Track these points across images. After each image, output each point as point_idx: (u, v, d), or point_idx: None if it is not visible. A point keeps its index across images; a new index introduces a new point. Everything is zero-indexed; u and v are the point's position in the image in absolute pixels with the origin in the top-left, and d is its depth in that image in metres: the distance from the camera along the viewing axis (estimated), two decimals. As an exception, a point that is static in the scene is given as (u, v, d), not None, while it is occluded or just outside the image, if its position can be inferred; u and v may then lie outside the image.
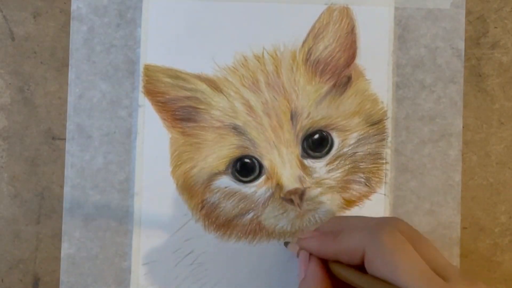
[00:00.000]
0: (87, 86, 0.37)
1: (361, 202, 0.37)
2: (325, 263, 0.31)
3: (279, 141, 0.36)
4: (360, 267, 0.29)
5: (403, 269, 0.26)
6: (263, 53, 0.37)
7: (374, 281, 0.28)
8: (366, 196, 0.37)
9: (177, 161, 0.37)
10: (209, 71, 0.37)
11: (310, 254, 0.32)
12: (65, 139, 0.37)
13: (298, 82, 0.37)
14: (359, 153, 0.37)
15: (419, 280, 0.26)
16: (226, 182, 0.36)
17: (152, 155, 0.37)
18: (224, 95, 0.37)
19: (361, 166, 0.37)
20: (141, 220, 0.37)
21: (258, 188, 0.36)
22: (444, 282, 0.26)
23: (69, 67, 0.37)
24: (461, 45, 0.37)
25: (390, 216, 0.37)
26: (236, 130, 0.36)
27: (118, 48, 0.37)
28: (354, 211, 0.37)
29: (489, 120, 0.38)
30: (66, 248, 0.36)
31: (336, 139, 0.37)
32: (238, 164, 0.36)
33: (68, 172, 0.37)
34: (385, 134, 0.37)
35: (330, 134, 0.37)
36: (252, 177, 0.36)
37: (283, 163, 0.36)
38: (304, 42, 0.37)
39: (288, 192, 0.36)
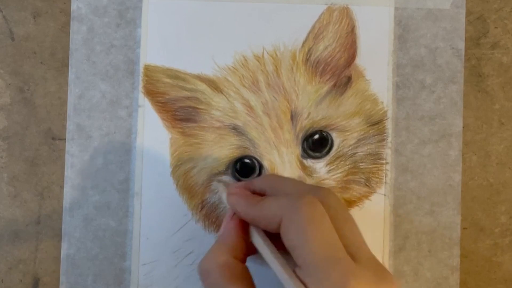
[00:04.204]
0: (87, 86, 0.37)
1: (361, 203, 0.37)
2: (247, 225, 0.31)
3: (279, 141, 0.36)
4: (278, 236, 0.28)
5: (314, 241, 0.26)
6: (263, 53, 0.37)
7: (278, 257, 0.27)
8: (366, 196, 0.37)
9: (177, 161, 0.37)
10: (209, 71, 0.37)
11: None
12: (65, 139, 0.37)
13: (298, 82, 0.37)
14: (359, 154, 0.37)
15: (326, 254, 0.26)
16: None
17: (152, 155, 0.37)
18: (224, 95, 0.37)
19: (361, 167, 0.37)
20: (141, 220, 0.37)
21: (258, 188, 0.36)
22: (352, 262, 0.26)
23: (69, 67, 0.37)
24: (461, 45, 0.37)
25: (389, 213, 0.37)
26: (236, 130, 0.36)
27: (118, 48, 0.37)
28: (354, 211, 0.37)
29: (489, 120, 0.38)
30: (66, 248, 0.36)
31: (336, 140, 0.37)
32: (238, 164, 0.36)
33: (68, 172, 0.37)
34: (385, 134, 0.37)
35: (330, 135, 0.37)
36: (252, 177, 0.36)
37: (283, 163, 0.36)
38: (304, 42, 0.37)
39: (288, 192, 0.36)
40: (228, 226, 0.31)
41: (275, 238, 0.29)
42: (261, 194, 0.31)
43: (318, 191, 0.29)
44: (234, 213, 0.31)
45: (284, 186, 0.31)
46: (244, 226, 0.30)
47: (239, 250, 0.30)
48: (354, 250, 0.27)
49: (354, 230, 0.28)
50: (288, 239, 0.27)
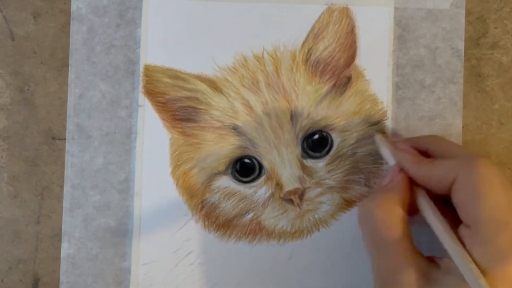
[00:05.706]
0: (87, 86, 0.37)
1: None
2: (413, 185, 0.31)
3: (279, 141, 0.36)
4: (444, 199, 0.29)
5: (487, 200, 0.26)
6: (263, 53, 0.37)
7: (442, 220, 0.27)
8: (366, 196, 0.37)
9: (177, 161, 0.37)
10: (209, 71, 0.37)
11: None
12: (65, 139, 0.37)
13: (298, 83, 0.37)
14: (359, 153, 0.37)
15: (497, 216, 0.26)
16: (226, 182, 0.36)
17: (152, 155, 0.37)
18: (224, 95, 0.37)
19: (361, 166, 0.37)
20: (141, 220, 0.37)
21: (258, 188, 0.36)
22: None
23: (69, 67, 0.37)
24: (461, 45, 0.37)
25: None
26: (236, 130, 0.36)
27: (118, 48, 0.37)
28: (354, 211, 0.37)
29: (489, 120, 0.38)
30: (66, 248, 0.36)
31: (336, 139, 0.37)
32: (238, 164, 0.36)
33: (68, 172, 0.37)
34: (385, 134, 0.37)
35: (330, 135, 0.37)
36: (252, 177, 0.36)
37: (283, 163, 0.36)
38: (304, 42, 0.37)
39: (288, 192, 0.36)
40: (397, 177, 0.31)
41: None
42: (421, 152, 0.32)
43: (483, 156, 0.29)
44: (402, 169, 0.31)
45: (450, 147, 0.32)
46: (411, 182, 0.31)
47: (405, 202, 0.29)
48: None
49: None
50: (460, 196, 0.27)
